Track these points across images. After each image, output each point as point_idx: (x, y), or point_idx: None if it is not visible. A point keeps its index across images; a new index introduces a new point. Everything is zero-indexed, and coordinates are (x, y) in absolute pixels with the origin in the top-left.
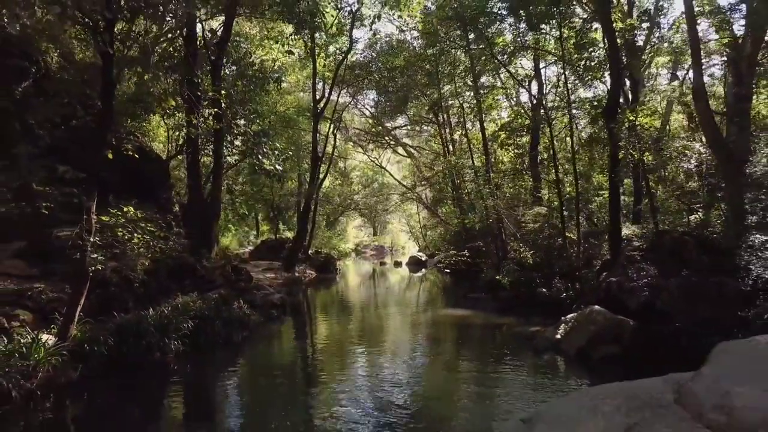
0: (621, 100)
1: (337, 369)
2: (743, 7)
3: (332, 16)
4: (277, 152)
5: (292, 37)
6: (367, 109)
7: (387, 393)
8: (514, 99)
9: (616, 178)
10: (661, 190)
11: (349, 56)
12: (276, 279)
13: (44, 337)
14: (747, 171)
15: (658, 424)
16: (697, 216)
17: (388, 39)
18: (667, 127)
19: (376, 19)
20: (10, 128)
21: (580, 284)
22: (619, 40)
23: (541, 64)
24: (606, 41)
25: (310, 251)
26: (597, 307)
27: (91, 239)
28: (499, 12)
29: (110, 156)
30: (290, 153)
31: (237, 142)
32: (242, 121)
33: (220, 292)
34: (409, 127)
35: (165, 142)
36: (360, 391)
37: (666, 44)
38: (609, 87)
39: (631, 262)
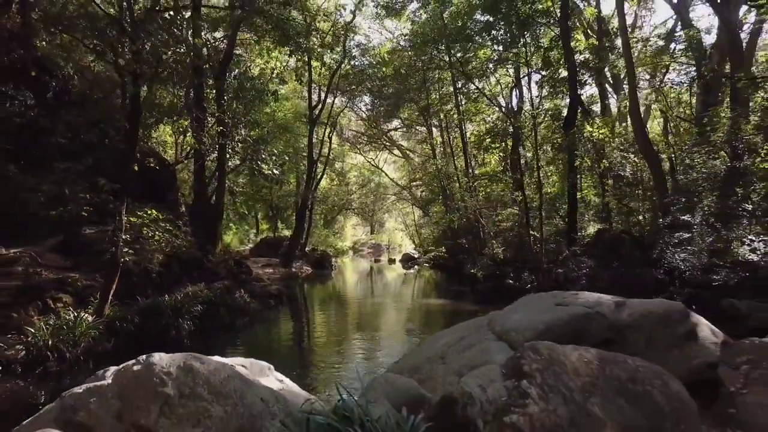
0: (598, 108)
1: (328, 342)
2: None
3: (324, 31)
4: (274, 157)
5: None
6: (362, 111)
7: (367, 353)
8: (504, 104)
9: (571, 182)
10: (611, 193)
11: (343, 65)
12: (274, 274)
13: (84, 315)
14: (678, 178)
15: (474, 334)
16: (644, 217)
17: (378, 50)
18: (646, 130)
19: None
20: (50, 146)
21: (542, 276)
22: (588, 56)
23: (523, 72)
24: (566, 62)
25: (307, 249)
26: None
27: (123, 236)
28: (476, 33)
29: (136, 168)
30: (287, 158)
31: (237, 149)
32: (243, 130)
33: (224, 283)
34: (404, 129)
35: (171, 147)
36: (347, 355)
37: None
38: (569, 101)
39: (574, 256)
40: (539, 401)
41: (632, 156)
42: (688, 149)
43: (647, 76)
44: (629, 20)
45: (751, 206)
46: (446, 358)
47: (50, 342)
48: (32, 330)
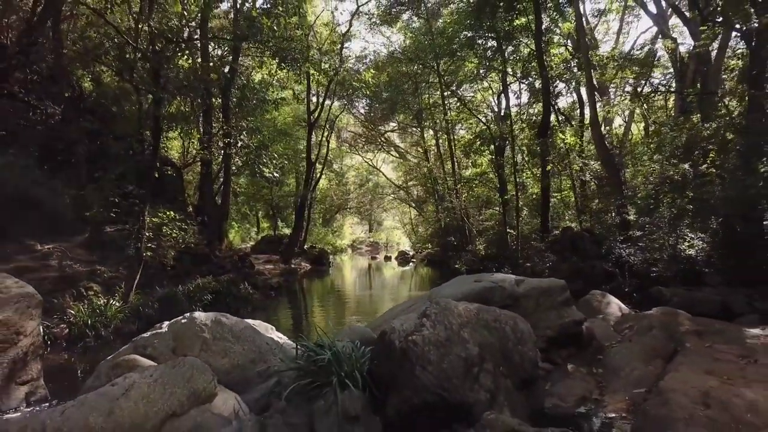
0: (580, 112)
1: (321, 324)
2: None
3: (323, 37)
4: (275, 161)
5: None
6: (360, 113)
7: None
8: (495, 108)
9: (544, 185)
10: (578, 194)
11: (339, 72)
12: (274, 269)
13: (112, 301)
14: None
15: (419, 303)
16: (612, 216)
17: (374, 56)
18: (630, 134)
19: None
20: (76, 153)
21: (519, 270)
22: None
23: (507, 80)
24: (540, 76)
25: (305, 246)
26: None
27: (146, 234)
28: (459, 48)
29: (157, 175)
30: (286, 162)
31: (241, 154)
32: (244, 135)
33: (229, 276)
34: (400, 131)
35: (179, 150)
36: (337, 331)
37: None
38: (542, 111)
39: (539, 251)
40: (430, 328)
41: (593, 162)
42: (639, 153)
43: (631, 81)
44: (615, 26)
45: (692, 207)
46: (398, 318)
47: (89, 322)
48: (73, 312)
